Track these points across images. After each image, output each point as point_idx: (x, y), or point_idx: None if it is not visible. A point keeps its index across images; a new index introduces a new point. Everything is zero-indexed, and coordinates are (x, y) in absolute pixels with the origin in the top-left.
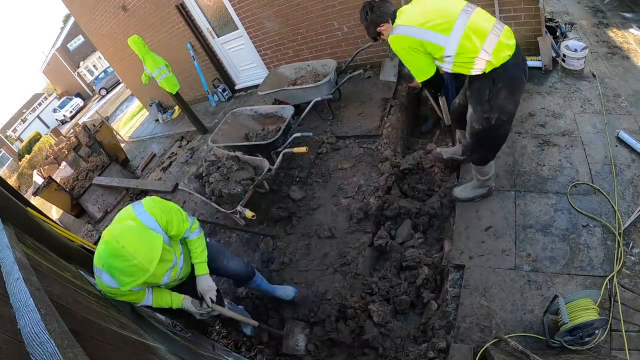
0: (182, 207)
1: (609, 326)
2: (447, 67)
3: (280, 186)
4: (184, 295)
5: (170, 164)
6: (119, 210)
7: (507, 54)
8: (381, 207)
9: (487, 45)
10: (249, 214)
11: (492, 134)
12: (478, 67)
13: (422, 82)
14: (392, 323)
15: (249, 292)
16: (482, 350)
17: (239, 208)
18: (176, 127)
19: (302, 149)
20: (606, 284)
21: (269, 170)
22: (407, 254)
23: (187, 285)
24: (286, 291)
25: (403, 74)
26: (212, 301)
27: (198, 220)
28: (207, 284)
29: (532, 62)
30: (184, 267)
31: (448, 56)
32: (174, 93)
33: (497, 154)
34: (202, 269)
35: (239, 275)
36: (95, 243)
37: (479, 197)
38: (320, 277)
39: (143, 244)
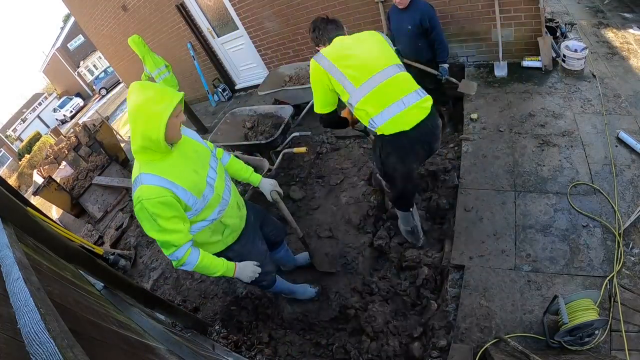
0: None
1: (608, 326)
2: (352, 110)
3: (280, 186)
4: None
5: None
6: (119, 210)
7: (406, 126)
8: (382, 207)
9: (385, 113)
10: None
11: (393, 183)
12: (371, 126)
13: (317, 113)
14: (392, 323)
15: (248, 292)
16: (482, 351)
17: None
18: None
19: (302, 149)
20: (606, 285)
21: (269, 170)
22: (407, 254)
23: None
24: (306, 291)
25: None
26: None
27: None
28: (269, 183)
29: (532, 63)
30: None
31: (350, 104)
32: None
33: (409, 204)
34: (257, 177)
35: (281, 232)
36: (95, 243)
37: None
38: (321, 277)
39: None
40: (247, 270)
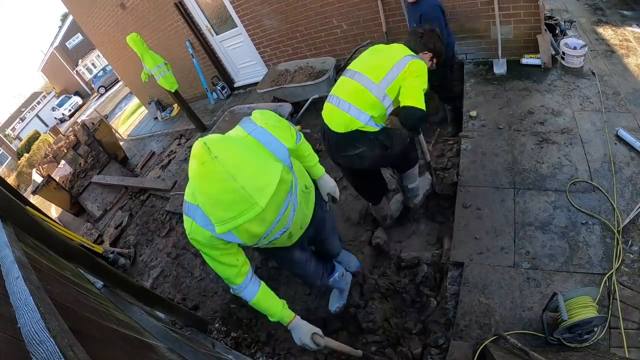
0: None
1: (607, 324)
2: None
3: None
4: (295, 314)
5: (169, 162)
6: (118, 209)
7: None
8: None
9: None
10: None
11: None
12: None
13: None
14: (392, 320)
15: None
16: (481, 348)
17: None
18: (175, 125)
19: None
20: (605, 282)
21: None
22: (406, 252)
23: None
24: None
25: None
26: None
27: None
28: (331, 182)
29: (531, 60)
30: (297, 215)
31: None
32: (172, 91)
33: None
34: (320, 169)
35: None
36: (95, 241)
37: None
38: None
39: (250, 160)
40: (303, 331)
